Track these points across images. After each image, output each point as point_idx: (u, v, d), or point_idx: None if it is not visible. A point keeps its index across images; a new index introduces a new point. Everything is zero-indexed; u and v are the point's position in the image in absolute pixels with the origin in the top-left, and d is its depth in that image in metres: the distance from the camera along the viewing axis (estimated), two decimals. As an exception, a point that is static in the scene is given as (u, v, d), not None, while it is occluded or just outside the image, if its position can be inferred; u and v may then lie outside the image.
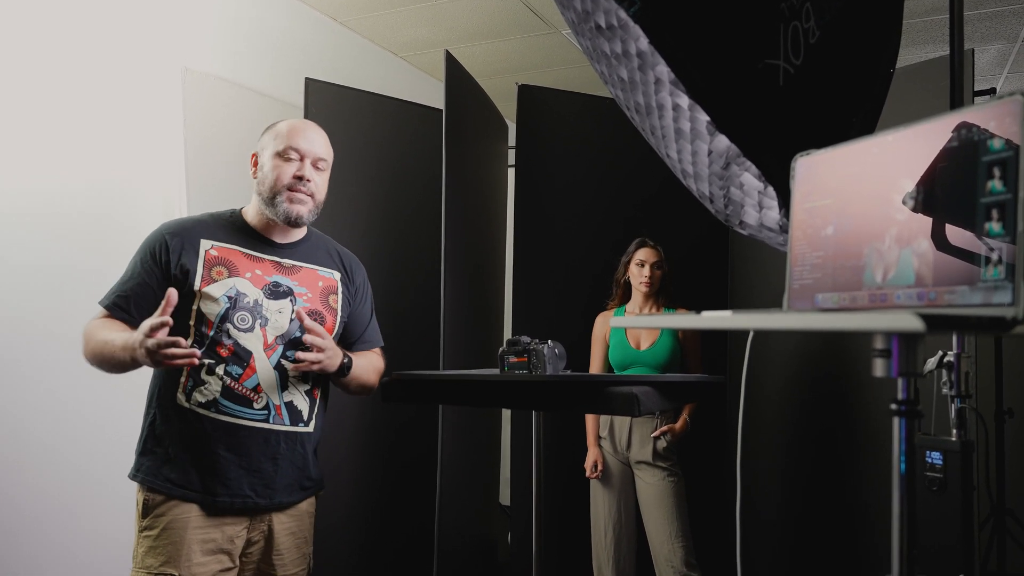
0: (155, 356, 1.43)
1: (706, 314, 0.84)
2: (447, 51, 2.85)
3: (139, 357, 1.46)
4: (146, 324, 1.45)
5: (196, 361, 1.47)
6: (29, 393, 2.37)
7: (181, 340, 1.45)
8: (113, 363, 1.53)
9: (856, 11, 1.37)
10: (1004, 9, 3.54)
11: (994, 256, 0.72)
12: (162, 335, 1.43)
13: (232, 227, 1.68)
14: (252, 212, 1.71)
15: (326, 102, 3.06)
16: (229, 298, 1.57)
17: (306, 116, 2.98)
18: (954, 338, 1.42)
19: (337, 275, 1.78)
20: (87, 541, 2.50)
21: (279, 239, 1.70)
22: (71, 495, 2.46)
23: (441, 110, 2.83)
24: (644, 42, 1.13)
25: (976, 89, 2.92)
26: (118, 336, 1.52)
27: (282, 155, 1.65)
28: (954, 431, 1.44)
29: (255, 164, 1.70)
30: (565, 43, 4.04)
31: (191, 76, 2.89)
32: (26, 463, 2.36)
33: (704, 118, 1.16)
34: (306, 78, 3.02)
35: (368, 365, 1.79)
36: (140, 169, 2.71)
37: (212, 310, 1.56)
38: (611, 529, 2.89)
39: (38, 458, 2.39)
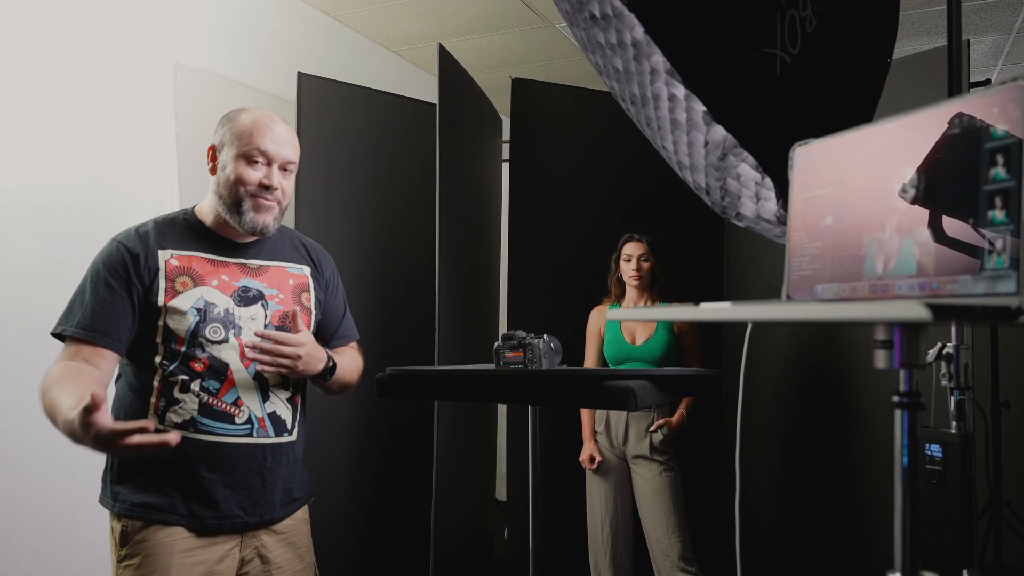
0: (110, 447, 1.23)
1: (704, 306, 0.82)
2: (440, 45, 2.83)
3: (85, 443, 1.25)
4: (74, 412, 1.23)
5: (173, 443, 1.25)
6: (20, 390, 2.34)
7: (147, 424, 1.23)
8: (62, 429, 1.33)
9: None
10: (999, 0, 3.54)
11: (997, 245, 0.71)
12: (106, 422, 1.20)
13: (189, 231, 1.54)
14: (208, 211, 1.56)
15: (319, 97, 3.04)
16: (198, 310, 1.45)
17: (298, 111, 2.96)
18: (953, 329, 1.41)
19: (307, 270, 1.66)
20: (78, 548, 2.48)
21: (240, 238, 1.56)
22: (63, 499, 2.43)
23: (435, 104, 2.81)
24: (639, 31, 1.11)
25: (971, 81, 2.92)
26: (64, 402, 1.31)
27: (247, 158, 1.49)
28: (953, 423, 1.43)
29: (213, 159, 1.54)
30: (559, 37, 4.02)
31: (182, 71, 2.86)
32: (19, 463, 2.34)
33: (700, 108, 1.15)
34: (298, 72, 3.00)
35: (350, 364, 1.69)
36: (132, 164, 2.69)
37: (181, 325, 1.45)
38: (608, 524, 2.89)
39: (30, 459, 2.36)
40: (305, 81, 3.01)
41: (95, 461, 2.45)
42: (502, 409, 3.90)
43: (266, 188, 1.51)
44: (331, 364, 1.58)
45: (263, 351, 1.44)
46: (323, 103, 3.05)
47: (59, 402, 1.33)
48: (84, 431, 1.23)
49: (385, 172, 3.26)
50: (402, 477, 3.23)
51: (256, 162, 1.50)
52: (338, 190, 3.09)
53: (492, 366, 1.71)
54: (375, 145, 3.24)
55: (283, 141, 1.54)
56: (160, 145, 2.79)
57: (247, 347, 1.49)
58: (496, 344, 1.70)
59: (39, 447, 2.38)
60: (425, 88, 3.92)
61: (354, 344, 1.79)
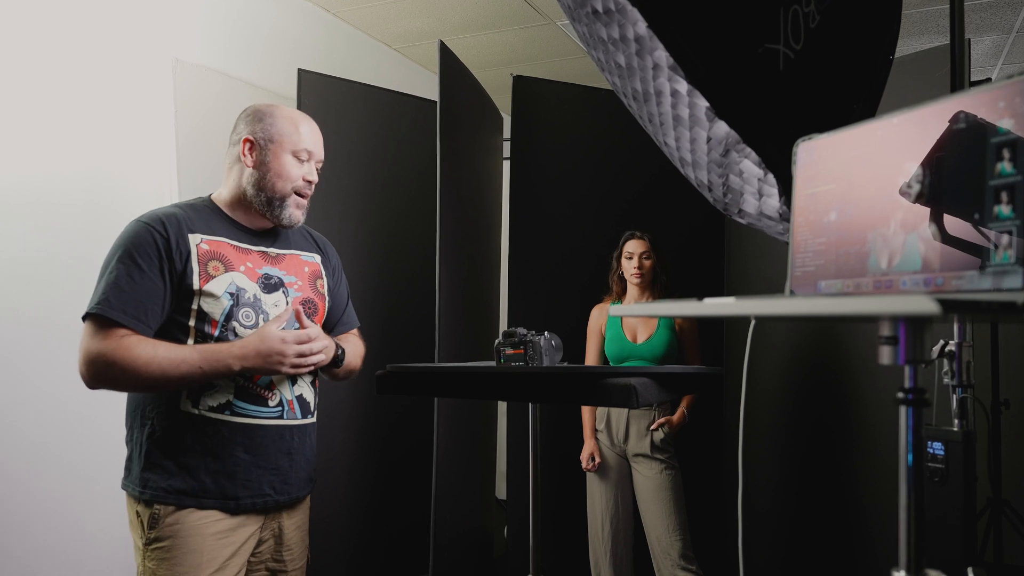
0: (294, 364, 1.48)
1: (708, 301, 0.82)
2: (441, 42, 2.82)
3: (253, 367, 1.46)
4: (280, 332, 1.47)
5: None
6: (20, 385, 2.34)
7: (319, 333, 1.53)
8: (180, 383, 1.44)
9: (856, -4, 1.35)
10: (999, 0, 3.53)
11: (1003, 240, 0.70)
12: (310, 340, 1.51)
13: (212, 217, 1.58)
14: (229, 199, 1.60)
15: (319, 93, 3.03)
16: (231, 295, 1.49)
17: (299, 108, 2.95)
18: (955, 327, 1.41)
19: (318, 257, 1.73)
20: (80, 540, 2.47)
21: (258, 227, 1.62)
22: (62, 492, 2.43)
23: (435, 102, 2.80)
24: (642, 26, 1.11)
25: (972, 80, 2.91)
26: (189, 354, 1.43)
27: (297, 155, 1.58)
28: (956, 421, 1.42)
29: (251, 151, 1.57)
30: (560, 34, 4.01)
31: (181, 67, 2.86)
32: (19, 459, 2.33)
33: (703, 104, 1.14)
34: (299, 69, 2.99)
35: (354, 350, 1.76)
36: (131, 160, 2.68)
37: (215, 308, 1.48)
38: (608, 522, 2.88)
39: (31, 454, 2.36)
40: (305, 78, 3.00)
41: (90, 457, 2.46)
42: (502, 407, 3.89)
43: (309, 184, 1.61)
44: (340, 352, 1.65)
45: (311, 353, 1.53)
46: (323, 100, 3.04)
47: (175, 350, 1.43)
48: (279, 353, 1.46)
49: (386, 170, 3.26)
50: (401, 474, 3.22)
51: (302, 160, 1.59)
52: (338, 188, 3.08)
53: (493, 363, 1.71)
54: (376, 142, 3.23)
55: (319, 140, 1.64)
56: (159, 141, 2.78)
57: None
58: (497, 341, 1.70)
59: (40, 440, 2.39)
60: (426, 85, 3.91)
61: (355, 331, 1.86)
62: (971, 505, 1.48)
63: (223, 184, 1.63)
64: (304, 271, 1.66)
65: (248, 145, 1.58)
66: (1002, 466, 3.10)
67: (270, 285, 1.57)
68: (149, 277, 1.45)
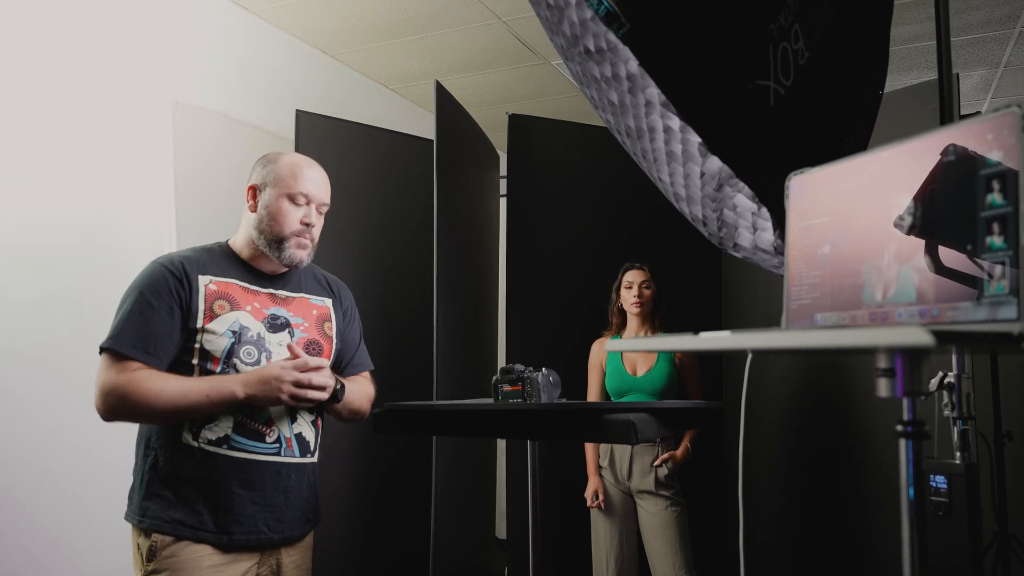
0: (291, 393, 1.49)
1: (704, 335, 0.81)
2: (437, 82, 2.86)
3: (255, 395, 1.48)
4: (282, 361, 1.50)
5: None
6: (20, 424, 2.33)
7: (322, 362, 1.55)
8: (189, 413, 1.49)
9: (844, 32, 1.37)
10: (986, 35, 3.60)
11: (996, 271, 0.70)
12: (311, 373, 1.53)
13: (225, 260, 1.65)
14: (242, 244, 1.67)
15: (317, 134, 3.06)
16: (233, 332, 1.54)
17: (297, 148, 2.97)
18: (954, 358, 1.40)
19: (328, 301, 1.77)
20: (83, 572, 2.44)
21: (270, 270, 1.68)
22: (63, 527, 2.41)
23: (432, 141, 2.83)
24: (634, 64, 1.12)
25: (961, 114, 2.95)
26: (196, 384, 1.49)
27: (292, 199, 1.62)
28: (958, 454, 1.41)
29: (254, 198, 1.65)
30: (555, 73, 4.07)
31: (181, 109, 2.89)
32: (18, 494, 2.32)
33: (696, 140, 1.15)
34: (297, 110, 3.02)
35: (360, 391, 1.76)
36: (130, 201, 2.70)
37: (217, 345, 1.53)
38: (613, 560, 2.84)
39: (31, 489, 2.35)
40: (304, 118, 3.03)
41: (90, 491, 2.42)
42: (501, 445, 3.86)
43: (307, 226, 1.64)
44: (339, 386, 1.64)
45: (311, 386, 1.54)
46: (322, 140, 3.07)
47: (183, 382, 1.48)
48: (277, 378, 1.49)
49: (383, 208, 3.27)
50: (401, 511, 3.18)
51: (299, 204, 1.63)
52: (336, 226, 3.09)
53: (491, 400, 1.70)
54: (373, 181, 3.25)
55: (321, 184, 1.69)
56: (158, 182, 2.80)
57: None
58: (495, 378, 1.69)
59: (43, 474, 2.37)
60: (423, 125, 3.95)
61: (367, 374, 1.87)
62: (978, 539, 1.45)
63: (239, 229, 1.70)
64: (312, 313, 1.70)
65: (252, 191, 1.66)
66: (1007, 499, 3.06)
67: (276, 325, 1.62)
68: (160, 314, 1.51)
